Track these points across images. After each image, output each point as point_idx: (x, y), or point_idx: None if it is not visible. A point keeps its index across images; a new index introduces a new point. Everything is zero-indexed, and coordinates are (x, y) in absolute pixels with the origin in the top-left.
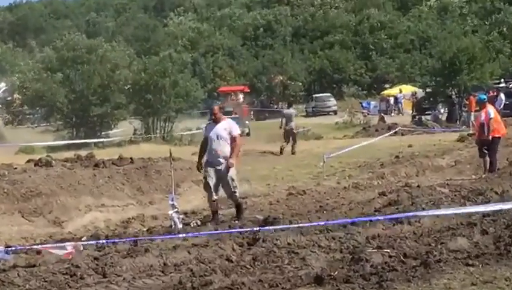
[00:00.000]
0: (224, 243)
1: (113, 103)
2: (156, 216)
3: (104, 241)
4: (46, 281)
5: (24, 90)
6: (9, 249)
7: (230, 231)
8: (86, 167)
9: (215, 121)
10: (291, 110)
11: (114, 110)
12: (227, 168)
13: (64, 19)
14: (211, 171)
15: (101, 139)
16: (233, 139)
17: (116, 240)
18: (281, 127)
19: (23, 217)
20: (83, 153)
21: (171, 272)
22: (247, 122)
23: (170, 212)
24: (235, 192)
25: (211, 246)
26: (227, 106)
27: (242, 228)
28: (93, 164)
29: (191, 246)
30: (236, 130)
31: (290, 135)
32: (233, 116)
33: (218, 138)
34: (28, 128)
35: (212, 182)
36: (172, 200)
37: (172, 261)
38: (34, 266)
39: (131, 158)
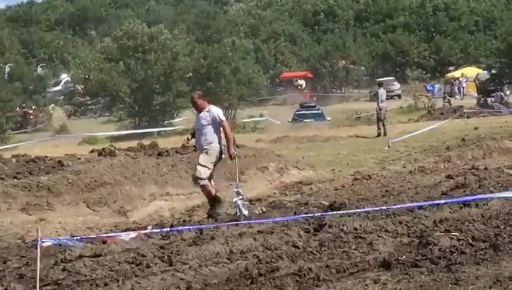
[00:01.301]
0: (290, 229)
1: (175, 92)
2: None
3: (169, 229)
4: (112, 271)
5: (86, 81)
6: (76, 238)
7: (296, 217)
8: (149, 155)
9: (198, 110)
10: (383, 90)
11: (176, 99)
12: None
13: (124, 8)
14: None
15: (164, 128)
16: (222, 126)
17: (181, 228)
18: (376, 110)
19: (88, 207)
20: (146, 142)
21: (237, 260)
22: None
23: (235, 199)
24: (201, 178)
25: (277, 233)
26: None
27: (309, 214)
28: (156, 152)
29: (257, 233)
30: (220, 116)
31: (383, 116)
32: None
33: (199, 128)
34: (90, 119)
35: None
36: (236, 187)
37: (238, 248)
38: (99, 255)
39: (194, 146)
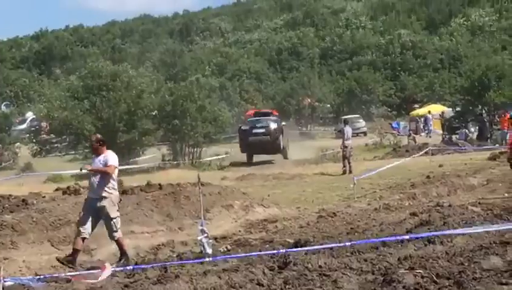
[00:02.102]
0: (255, 267)
1: (140, 129)
2: (185, 242)
3: (133, 267)
4: None
5: (51, 118)
6: (40, 277)
7: (261, 253)
8: None
9: (95, 153)
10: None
11: (142, 137)
12: (112, 213)
13: (90, 46)
14: (88, 208)
15: (129, 166)
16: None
17: (146, 266)
18: (341, 147)
19: (52, 245)
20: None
21: None
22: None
23: (200, 237)
24: (116, 231)
25: (242, 271)
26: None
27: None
28: (121, 190)
29: (222, 271)
30: (111, 161)
31: (348, 154)
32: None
33: (95, 173)
34: (55, 157)
35: (86, 223)
36: (201, 226)
37: (202, 286)
38: None
39: (159, 184)
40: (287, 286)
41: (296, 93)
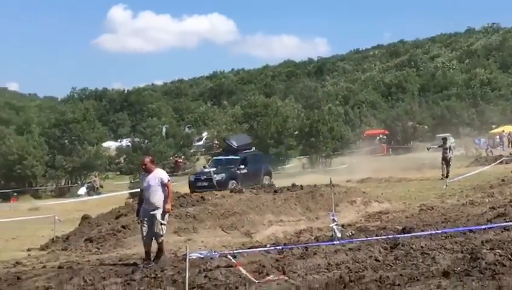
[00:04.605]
0: (373, 247)
1: (286, 145)
2: (321, 228)
3: (282, 247)
4: (240, 277)
5: (220, 137)
6: (214, 252)
7: (377, 237)
8: (267, 192)
9: (147, 171)
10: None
11: (287, 150)
12: (162, 213)
13: (249, 84)
14: (146, 217)
15: (278, 172)
16: (165, 186)
17: (292, 246)
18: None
19: (222, 230)
20: (265, 182)
21: (333, 270)
22: None
23: (331, 225)
24: (161, 235)
25: (363, 250)
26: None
27: (387, 235)
28: (273, 190)
29: (348, 250)
30: (167, 178)
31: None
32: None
33: (149, 188)
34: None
35: (145, 229)
36: (332, 216)
37: (334, 261)
38: (231, 266)
39: (301, 185)
40: (397, 261)
41: (402, 118)
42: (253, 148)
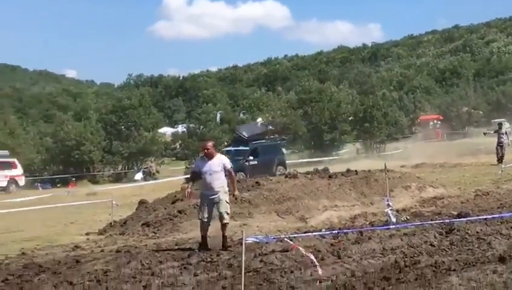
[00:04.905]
0: (428, 232)
1: (340, 130)
2: (375, 213)
3: (337, 231)
4: (296, 262)
5: (274, 123)
6: (269, 237)
7: (432, 222)
8: (322, 177)
9: (208, 156)
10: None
11: (341, 136)
12: (226, 196)
13: (302, 70)
14: (206, 203)
15: (333, 157)
16: (229, 172)
17: (346, 231)
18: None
19: (277, 215)
20: (320, 167)
21: (388, 254)
22: None
23: (386, 210)
24: (228, 214)
25: (418, 235)
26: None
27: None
28: (327, 175)
29: (403, 235)
30: (229, 164)
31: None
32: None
33: (212, 173)
34: None
35: (205, 213)
36: (387, 201)
37: (389, 246)
38: (287, 250)
39: (355, 170)
40: (452, 247)
41: (456, 103)
42: (278, 136)
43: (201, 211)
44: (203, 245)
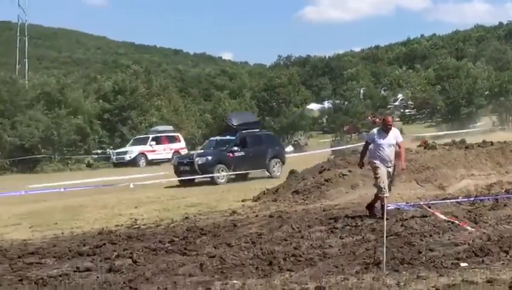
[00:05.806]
0: None
1: (476, 105)
2: (511, 182)
3: (474, 199)
4: (435, 226)
5: (414, 98)
6: (409, 204)
7: None
8: (459, 148)
9: (387, 130)
10: None
11: (477, 110)
12: (398, 171)
13: (440, 48)
14: (385, 172)
15: (469, 130)
16: (399, 146)
17: (482, 198)
18: None
19: (417, 183)
20: (457, 139)
21: None
22: None
23: None
24: (387, 194)
25: None
26: None
27: None
28: (464, 146)
29: None
30: (401, 138)
31: None
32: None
33: (389, 146)
34: (417, 124)
35: (385, 182)
36: None
37: None
38: (426, 216)
39: (491, 142)
40: None
41: None
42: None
43: (383, 182)
44: (373, 212)
